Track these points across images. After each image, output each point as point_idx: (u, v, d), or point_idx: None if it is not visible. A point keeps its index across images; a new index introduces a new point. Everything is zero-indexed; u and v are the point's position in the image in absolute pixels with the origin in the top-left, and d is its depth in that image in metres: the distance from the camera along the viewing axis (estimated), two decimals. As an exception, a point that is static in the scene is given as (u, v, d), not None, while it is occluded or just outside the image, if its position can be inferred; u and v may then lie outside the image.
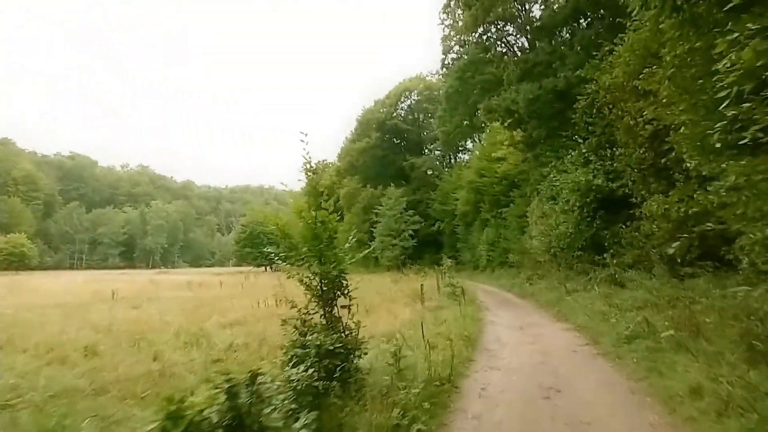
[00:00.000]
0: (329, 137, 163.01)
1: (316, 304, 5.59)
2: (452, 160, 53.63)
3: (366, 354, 5.74)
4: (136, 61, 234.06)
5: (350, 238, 6.16)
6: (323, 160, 68.10)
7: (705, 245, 10.11)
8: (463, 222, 38.57)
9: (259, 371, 3.22)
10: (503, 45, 27.92)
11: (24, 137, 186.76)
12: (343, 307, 5.75)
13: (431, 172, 51.87)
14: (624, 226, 14.06)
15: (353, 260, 6.07)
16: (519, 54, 26.33)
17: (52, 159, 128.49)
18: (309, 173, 5.75)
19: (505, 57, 26.62)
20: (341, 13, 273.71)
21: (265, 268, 62.85)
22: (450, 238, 42.53)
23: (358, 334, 5.67)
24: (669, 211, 10.77)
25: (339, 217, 6.73)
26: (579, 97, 16.85)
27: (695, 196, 9.64)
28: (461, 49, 29.75)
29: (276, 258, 5.78)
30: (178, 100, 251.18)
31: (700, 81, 6.35)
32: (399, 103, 56.94)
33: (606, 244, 14.94)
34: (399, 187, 46.63)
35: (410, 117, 57.13)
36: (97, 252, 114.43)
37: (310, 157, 5.77)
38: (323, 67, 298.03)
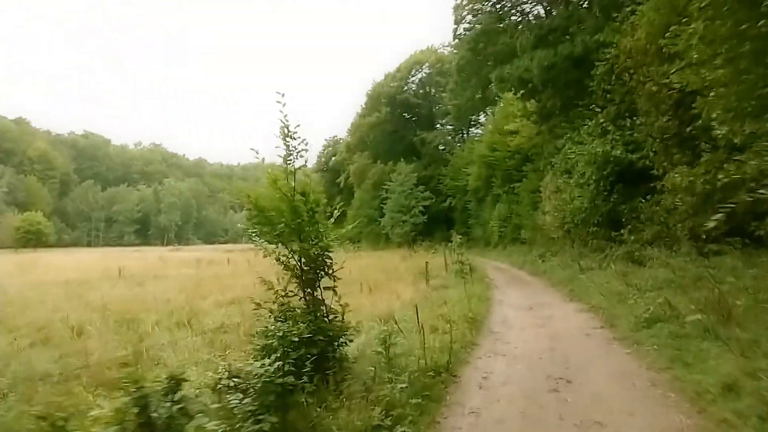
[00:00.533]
0: (329, 137, 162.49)
1: (296, 285, 4.99)
2: (464, 135, 52.13)
3: (351, 341, 5.14)
4: (136, 61, 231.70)
5: (334, 210, 5.49)
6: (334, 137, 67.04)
7: (733, 220, 9.25)
8: (474, 198, 37.74)
9: (183, 375, 2.63)
10: (518, 13, 26.54)
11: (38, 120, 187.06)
12: (327, 288, 5.13)
13: (443, 147, 50.56)
14: (643, 201, 13.20)
15: (341, 236, 5.44)
16: (534, 23, 24.94)
17: (66, 138, 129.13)
18: (287, 139, 5.06)
19: (520, 26, 25.29)
20: (341, 13, 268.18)
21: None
22: (461, 214, 41.69)
23: (343, 319, 5.07)
24: (694, 183, 9.94)
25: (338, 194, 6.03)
26: (597, 63, 15.83)
27: (724, 166, 8.80)
28: (474, 19, 28.37)
29: (252, 234, 5.11)
30: (178, 100, 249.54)
31: (744, 27, 5.43)
32: (410, 76, 55.21)
33: (623, 220, 14.11)
34: (410, 163, 45.49)
35: (421, 91, 55.42)
36: (113, 230, 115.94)
37: (288, 121, 5.07)
38: (323, 67, 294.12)
